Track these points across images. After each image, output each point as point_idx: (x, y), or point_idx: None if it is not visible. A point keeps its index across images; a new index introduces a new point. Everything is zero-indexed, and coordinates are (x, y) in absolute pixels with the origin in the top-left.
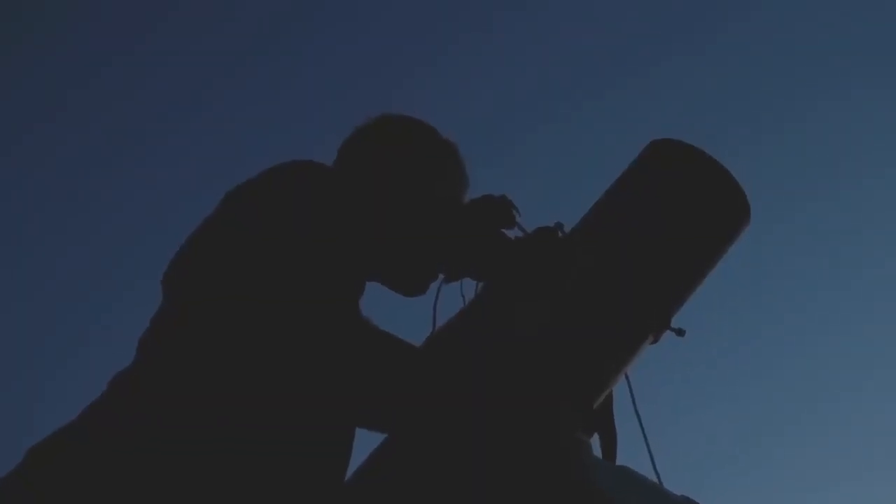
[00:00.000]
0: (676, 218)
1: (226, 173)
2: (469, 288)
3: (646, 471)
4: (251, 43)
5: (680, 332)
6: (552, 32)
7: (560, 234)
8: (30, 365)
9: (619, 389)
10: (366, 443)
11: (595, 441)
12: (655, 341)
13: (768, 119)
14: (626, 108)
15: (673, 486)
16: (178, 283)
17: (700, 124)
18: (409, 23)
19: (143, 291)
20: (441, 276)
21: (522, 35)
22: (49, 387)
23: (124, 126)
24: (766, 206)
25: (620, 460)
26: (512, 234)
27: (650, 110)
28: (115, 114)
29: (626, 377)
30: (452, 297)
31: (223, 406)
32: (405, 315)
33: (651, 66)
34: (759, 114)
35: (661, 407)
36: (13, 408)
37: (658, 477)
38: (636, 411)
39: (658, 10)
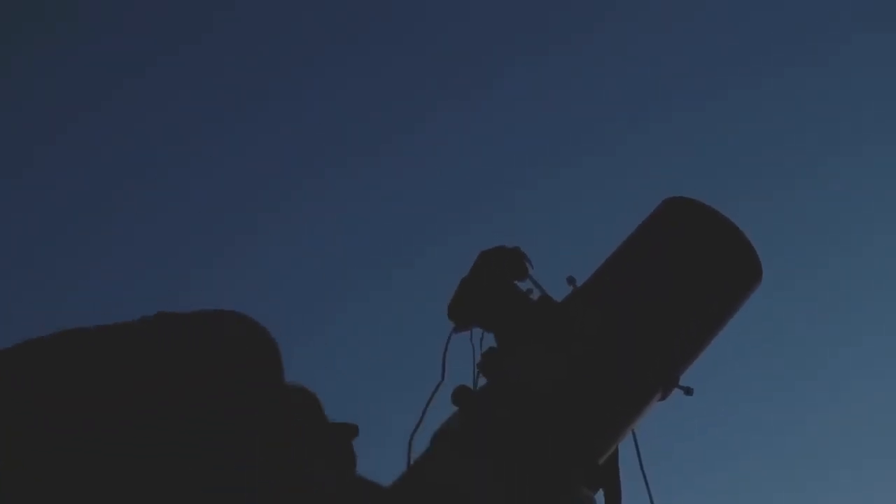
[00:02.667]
0: (687, 277)
1: None
2: (479, 337)
3: None
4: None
5: (688, 391)
6: (568, 86)
7: (572, 289)
8: None
9: (625, 445)
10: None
11: (600, 496)
12: (664, 398)
13: (780, 176)
14: (642, 163)
15: None
16: None
17: (716, 180)
18: (422, 77)
19: None
20: (452, 326)
21: (536, 87)
22: None
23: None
24: (780, 265)
25: None
26: (524, 286)
27: (665, 166)
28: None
29: (633, 433)
30: (463, 345)
31: None
32: (416, 364)
33: (665, 122)
34: (771, 171)
35: (666, 463)
36: None
37: None
38: (641, 467)
39: (676, 65)
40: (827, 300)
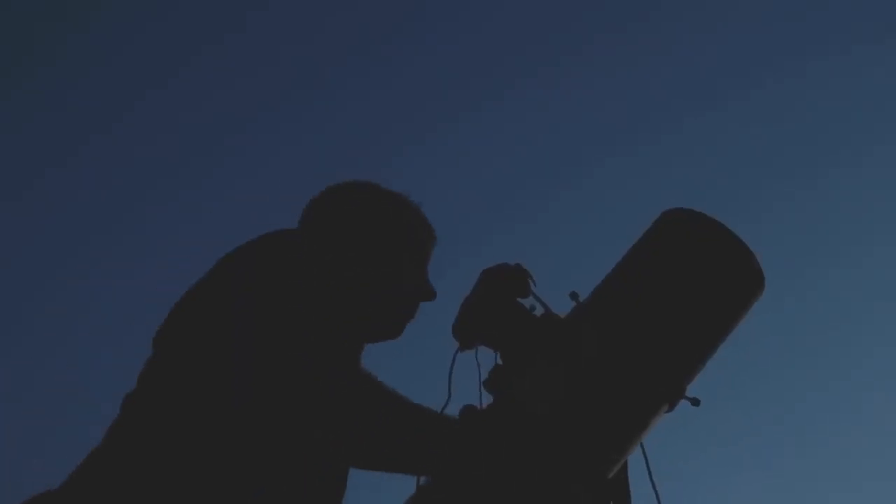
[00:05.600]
0: (688, 287)
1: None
2: (485, 356)
3: None
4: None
5: (695, 402)
6: (565, 96)
7: (575, 304)
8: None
9: (634, 458)
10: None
11: None
12: (671, 410)
13: (781, 185)
14: (643, 175)
15: None
16: (170, 345)
17: (716, 190)
18: (424, 91)
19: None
20: (457, 346)
21: (535, 100)
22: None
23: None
24: (783, 272)
25: None
26: (527, 303)
27: (666, 178)
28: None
29: (642, 446)
30: (469, 364)
31: (211, 480)
32: (421, 384)
33: (664, 133)
34: (773, 179)
35: (677, 475)
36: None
37: None
38: (651, 480)
39: (678, 76)
40: (833, 306)
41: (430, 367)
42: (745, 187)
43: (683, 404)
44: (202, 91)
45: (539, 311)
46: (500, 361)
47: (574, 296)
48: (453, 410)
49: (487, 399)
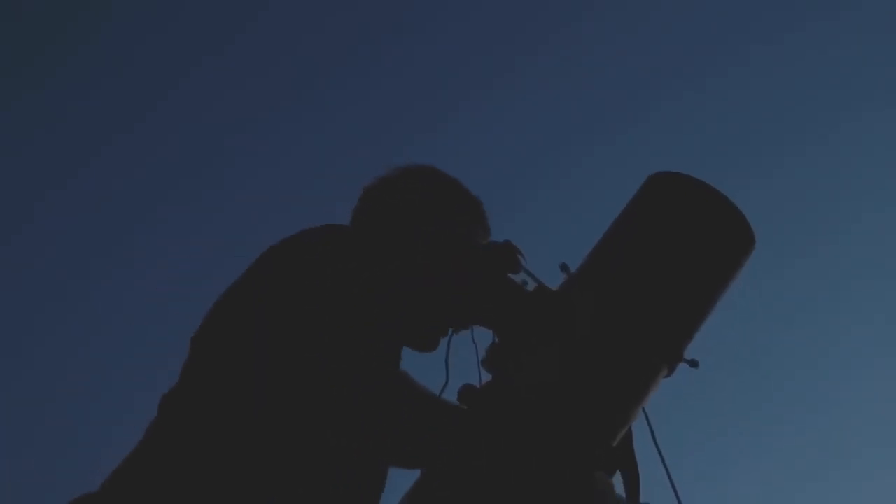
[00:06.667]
0: (679, 249)
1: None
2: (480, 335)
3: None
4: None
5: (693, 364)
6: (548, 72)
7: (566, 276)
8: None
9: (638, 425)
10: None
11: (618, 479)
12: (670, 374)
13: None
14: (627, 146)
15: None
16: (209, 345)
17: (703, 160)
18: (426, 79)
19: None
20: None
21: (519, 79)
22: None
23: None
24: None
25: (645, 496)
26: (518, 278)
27: (649, 146)
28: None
29: (644, 412)
30: (465, 346)
31: (253, 475)
32: (420, 369)
33: (652, 109)
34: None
35: (682, 439)
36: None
37: None
38: (656, 445)
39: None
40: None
41: (427, 354)
42: (729, 164)
43: (682, 368)
44: (198, 94)
45: (531, 286)
46: (496, 339)
47: (564, 267)
48: (452, 393)
49: (486, 378)
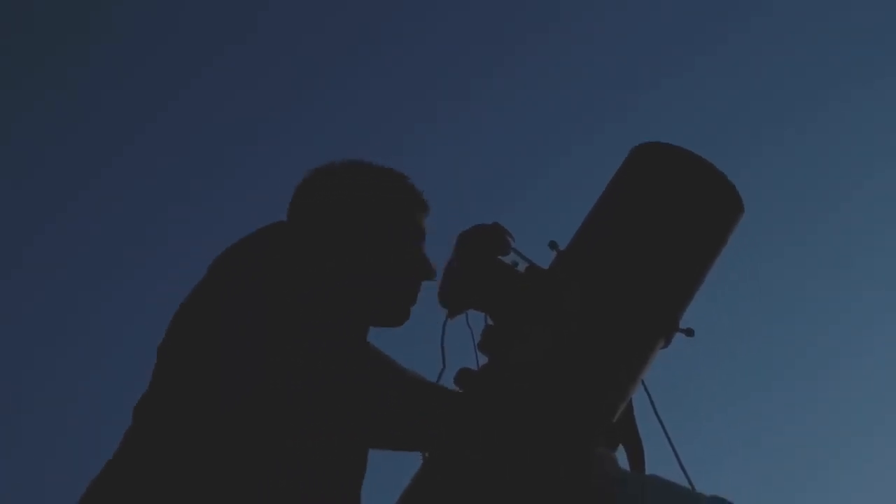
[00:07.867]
0: (667, 218)
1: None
2: (475, 319)
3: (677, 475)
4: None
5: (689, 333)
6: (531, 51)
7: (556, 253)
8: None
9: (638, 398)
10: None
11: (621, 452)
12: (667, 345)
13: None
14: (614, 119)
15: (705, 486)
16: (171, 353)
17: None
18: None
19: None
20: (445, 313)
21: (495, 56)
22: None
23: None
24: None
25: (649, 468)
26: (509, 260)
27: (636, 119)
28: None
29: (644, 384)
30: (461, 331)
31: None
32: (416, 358)
33: (639, 87)
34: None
35: (683, 409)
36: None
37: (689, 480)
38: (658, 417)
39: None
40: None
41: (422, 340)
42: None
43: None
44: (197, 97)
45: (522, 266)
46: (490, 322)
47: (553, 245)
48: (449, 379)
49: (483, 361)
